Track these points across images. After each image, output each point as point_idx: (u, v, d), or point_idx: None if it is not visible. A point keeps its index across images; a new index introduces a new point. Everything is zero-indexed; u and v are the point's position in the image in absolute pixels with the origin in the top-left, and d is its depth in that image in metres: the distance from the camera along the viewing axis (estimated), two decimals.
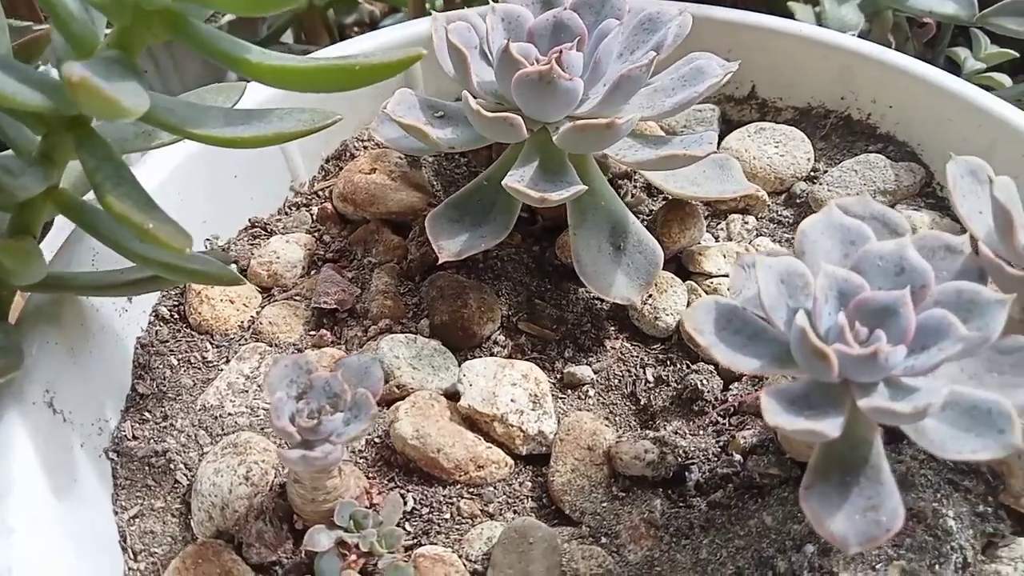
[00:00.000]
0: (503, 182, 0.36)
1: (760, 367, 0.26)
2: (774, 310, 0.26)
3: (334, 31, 0.76)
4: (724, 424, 0.36)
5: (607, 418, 0.37)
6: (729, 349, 0.26)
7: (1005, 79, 0.66)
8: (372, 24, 0.85)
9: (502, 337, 0.40)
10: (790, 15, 0.63)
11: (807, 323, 0.24)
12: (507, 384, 0.36)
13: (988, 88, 0.65)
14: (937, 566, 0.29)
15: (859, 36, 0.67)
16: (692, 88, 0.38)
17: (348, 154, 0.51)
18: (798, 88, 0.51)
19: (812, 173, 0.48)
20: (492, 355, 0.39)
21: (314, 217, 0.48)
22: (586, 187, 0.36)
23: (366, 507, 0.33)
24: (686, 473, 0.33)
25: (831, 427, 0.23)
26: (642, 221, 0.45)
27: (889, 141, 0.49)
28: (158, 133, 0.35)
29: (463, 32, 0.40)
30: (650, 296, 0.40)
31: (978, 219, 0.30)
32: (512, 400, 0.35)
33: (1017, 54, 0.64)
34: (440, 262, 0.38)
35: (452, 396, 0.37)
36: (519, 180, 0.36)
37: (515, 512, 0.34)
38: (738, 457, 0.33)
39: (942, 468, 0.33)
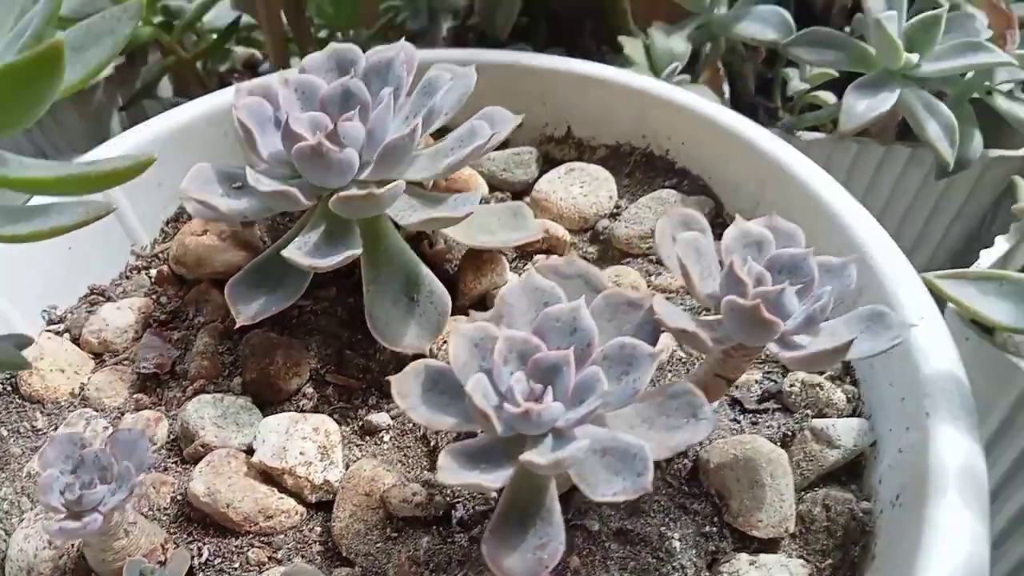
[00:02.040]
0: (281, 251, 0.39)
1: (454, 425, 0.29)
2: (464, 373, 0.29)
3: (206, 80, 0.78)
4: None
5: (400, 461, 0.40)
6: (428, 410, 0.29)
7: (830, 96, 0.70)
8: (252, 67, 0.88)
9: (310, 390, 0.43)
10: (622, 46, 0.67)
11: (480, 385, 0.28)
12: (297, 438, 0.39)
13: (814, 107, 0.70)
14: None
15: (696, 61, 0.72)
16: (462, 151, 0.42)
17: (185, 215, 0.53)
18: (607, 128, 0.55)
19: (615, 210, 0.52)
20: (300, 408, 0.42)
21: (152, 280, 0.51)
22: (358, 252, 0.39)
23: (159, 562, 0.36)
24: (452, 511, 0.37)
25: (494, 480, 0.27)
26: (451, 269, 0.48)
27: (685, 176, 0.52)
28: None
29: (254, 107, 0.43)
30: (444, 342, 0.44)
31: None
32: (301, 453, 0.39)
33: (836, 73, 0.68)
34: (237, 326, 0.41)
35: (252, 452, 0.40)
36: (299, 247, 0.40)
37: (303, 557, 0.37)
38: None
39: (676, 494, 0.36)
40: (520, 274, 0.50)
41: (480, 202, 0.52)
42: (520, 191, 0.55)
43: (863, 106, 0.52)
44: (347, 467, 0.39)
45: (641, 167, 0.54)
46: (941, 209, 0.69)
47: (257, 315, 0.41)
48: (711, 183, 0.51)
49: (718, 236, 0.50)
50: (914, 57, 0.51)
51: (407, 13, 0.79)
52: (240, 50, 0.82)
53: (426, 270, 0.44)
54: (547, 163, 0.57)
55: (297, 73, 0.45)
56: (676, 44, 0.65)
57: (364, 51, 0.45)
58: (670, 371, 0.42)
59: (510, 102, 0.54)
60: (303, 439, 0.39)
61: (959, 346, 0.38)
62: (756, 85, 0.73)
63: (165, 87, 0.82)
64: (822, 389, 0.40)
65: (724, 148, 0.49)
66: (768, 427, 0.39)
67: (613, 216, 0.52)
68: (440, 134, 0.47)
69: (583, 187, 0.52)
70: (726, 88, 0.69)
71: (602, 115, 0.54)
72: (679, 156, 0.53)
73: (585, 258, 0.51)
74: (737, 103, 0.72)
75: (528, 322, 0.31)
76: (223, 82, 0.83)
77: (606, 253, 0.51)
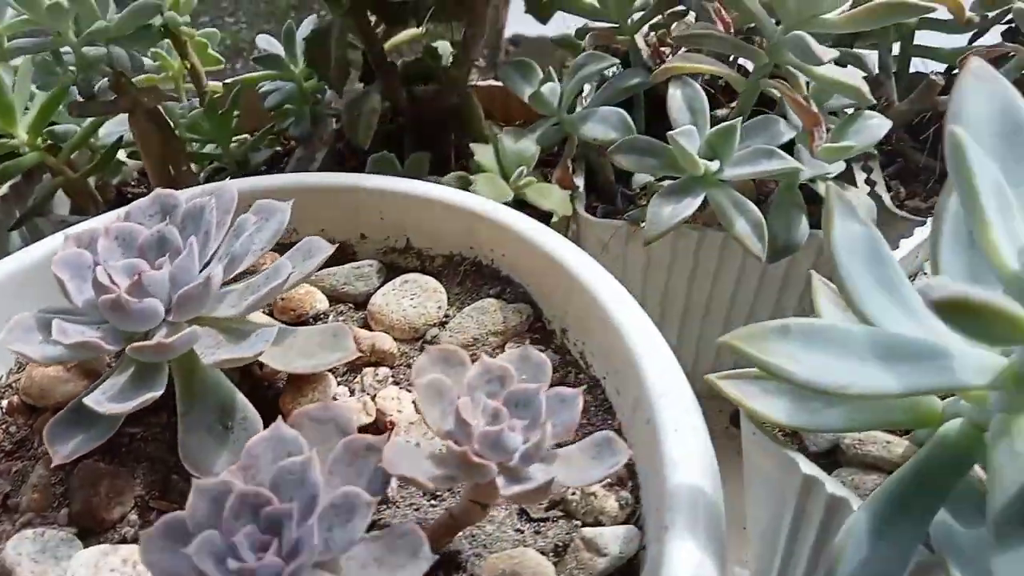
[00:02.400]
0: (83, 399, 0.42)
1: None
2: (198, 528, 0.32)
3: (100, 195, 0.82)
4: None
5: None
6: (167, 561, 0.32)
7: None
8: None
9: (134, 516, 0.46)
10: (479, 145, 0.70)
11: (204, 544, 0.30)
12: (106, 570, 0.41)
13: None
14: None
15: (549, 156, 0.76)
16: (262, 290, 0.45)
17: None
18: (441, 240, 0.58)
19: (444, 319, 0.55)
20: (123, 536, 0.45)
21: (4, 410, 0.54)
22: (157, 393, 0.42)
23: None
24: None
25: None
26: (281, 389, 0.51)
27: (508, 284, 0.56)
28: None
29: (71, 258, 0.46)
30: None
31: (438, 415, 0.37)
32: None
33: None
34: (53, 465, 0.44)
35: None
36: (104, 392, 0.43)
37: None
38: None
39: None
40: (349, 387, 0.53)
41: (317, 319, 0.56)
42: (363, 302, 0.58)
43: (668, 212, 0.56)
44: None
45: (471, 275, 0.57)
46: (790, 283, 0.73)
47: (72, 453, 0.44)
48: (530, 291, 0.55)
49: (535, 341, 0.54)
50: (714, 165, 0.55)
51: (291, 119, 0.83)
52: (132, 162, 0.86)
53: (241, 398, 0.47)
54: (393, 271, 0.60)
55: (121, 220, 0.48)
56: (525, 147, 0.70)
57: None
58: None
59: (351, 218, 0.59)
60: (111, 571, 0.41)
61: (751, 439, 0.41)
62: (617, 173, 0.77)
63: (65, 202, 0.86)
64: (596, 497, 0.42)
65: (536, 261, 0.53)
66: (547, 536, 0.42)
67: (442, 325, 0.55)
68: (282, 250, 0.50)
69: (413, 299, 0.55)
70: (580, 181, 0.72)
71: (435, 229, 0.58)
72: (503, 266, 0.56)
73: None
74: (598, 191, 0.76)
75: (271, 472, 0.34)
76: (120, 194, 0.87)
77: None
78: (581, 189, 0.72)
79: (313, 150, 0.81)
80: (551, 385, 0.52)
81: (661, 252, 0.69)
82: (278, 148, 0.84)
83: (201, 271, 0.46)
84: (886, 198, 0.70)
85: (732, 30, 0.67)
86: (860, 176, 0.72)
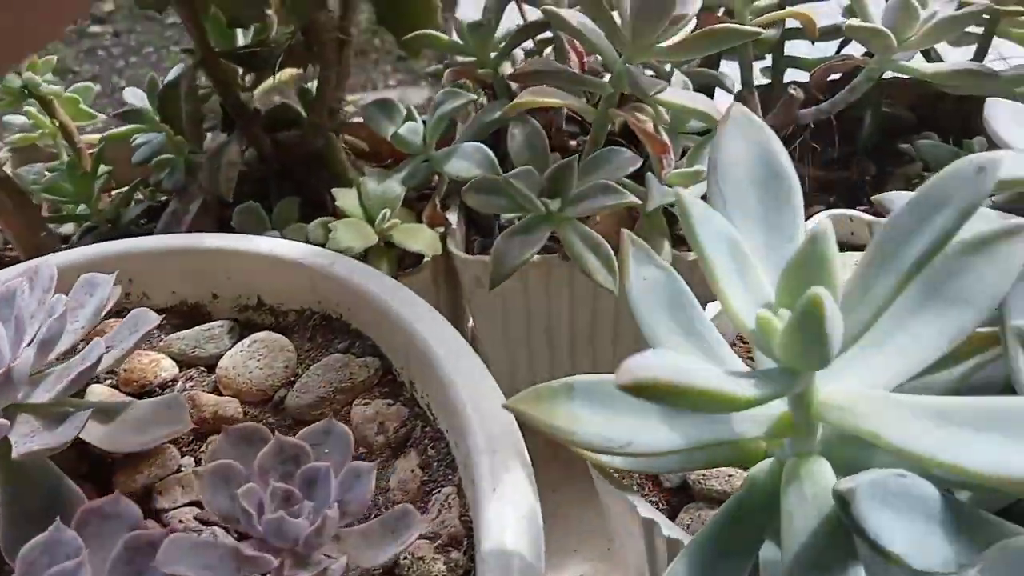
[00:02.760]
0: None
1: None
2: None
3: None
4: None
5: None
6: None
7: None
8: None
9: None
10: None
11: None
12: None
13: None
14: None
15: (428, 191, 0.75)
16: (71, 376, 0.43)
17: None
18: (289, 296, 0.58)
19: (292, 378, 0.54)
20: None
21: None
22: None
23: None
24: None
25: None
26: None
27: (357, 337, 0.55)
28: None
29: None
30: None
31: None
32: None
33: None
34: None
35: None
36: None
37: None
38: None
39: None
40: (196, 456, 0.51)
41: (164, 387, 0.54)
42: (215, 364, 0.57)
43: (515, 251, 0.55)
44: None
45: (321, 330, 0.56)
46: None
47: None
48: (378, 343, 0.54)
49: (384, 395, 0.53)
50: (555, 203, 0.55)
51: (165, 172, 0.81)
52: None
53: (68, 483, 0.45)
54: (249, 328, 0.59)
55: None
56: (389, 188, 0.69)
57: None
58: None
59: (199, 279, 0.57)
60: None
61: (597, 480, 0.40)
62: None
63: None
64: (424, 561, 0.42)
65: (374, 315, 0.52)
66: None
67: (290, 384, 0.54)
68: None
69: (260, 360, 0.54)
70: (454, 217, 0.72)
71: (282, 286, 0.57)
72: (351, 319, 0.55)
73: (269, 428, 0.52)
74: (477, 226, 0.76)
75: None
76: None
77: (284, 423, 0.53)
78: (454, 226, 0.71)
79: (188, 201, 0.80)
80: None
81: (536, 282, 0.69)
82: (153, 202, 0.83)
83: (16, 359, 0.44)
84: None
85: (584, 59, 0.67)
86: None
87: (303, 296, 0.57)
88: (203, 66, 0.67)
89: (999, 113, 0.41)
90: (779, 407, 0.32)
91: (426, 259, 0.70)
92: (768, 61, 0.86)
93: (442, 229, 0.71)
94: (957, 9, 0.64)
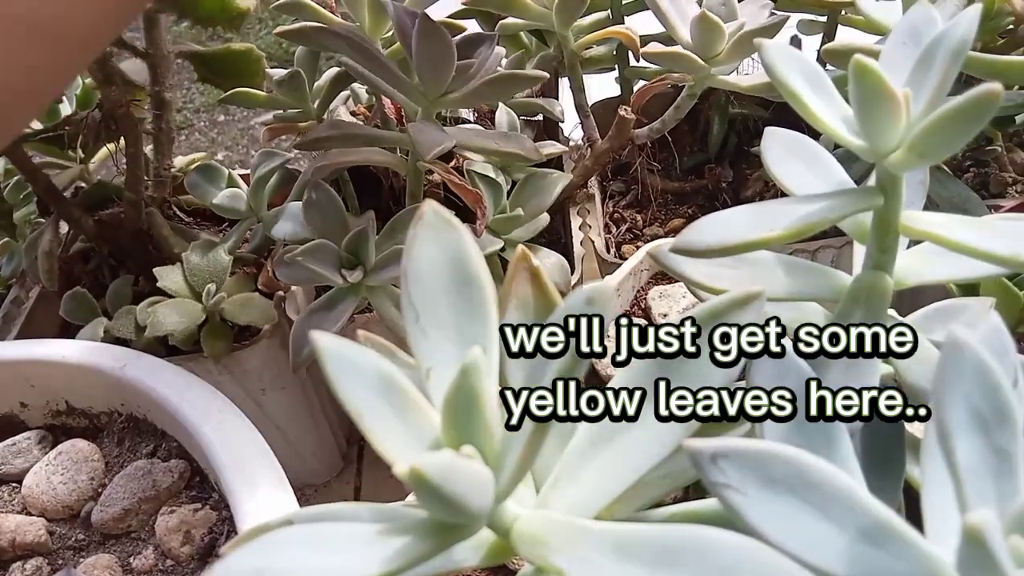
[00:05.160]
0: None
1: None
2: None
3: None
4: None
5: None
6: None
7: None
8: None
9: None
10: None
11: None
12: None
13: None
14: None
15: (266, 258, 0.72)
16: None
17: None
18: (95, 399, 0.55)
19: (100, 489, 0.52)
20: None
21: None
22: None
23: None
24: None
25: None
26: None
27: (163, 438, 0.53)
28: None
29: None
30: None
31: None
32: None
33: None
34: None
35: None
36: None
37: None
38: None
39: None
40: None
41: None
42: (23, 478, 0.54)
43: (328, 324, 0.53)
44: None
45: (130, 433, 0.54)
46: None
47: None
48: (183, 444, 0.52)
49: (192, 499, 0.51)
50: (356, 275, 0.53)
51: (3, 259, 0.78)
52: None
53: None
54: (67, 433, 0.56)
55: None
56: (217, 260, 0.66)
57: None
58: None
59: (1, 392, 0.54)
60: None
61: None
62: None
63: None
64: None
65: (169, 416, 0.50)
66: None
67: (96, 497, 0.51)
68: None
69: (64, 474, 0.51)
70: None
71: (85, 390, 0.54)
72: (155, 419, 0.53)
73: (74, 547, 0.50)
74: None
75: None
76: None
77: (94, 539, 0.50)
78: (293, 288, 0.69)
79: (28, 288, 0.77)
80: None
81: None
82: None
83: None
84: (598, 243, 0.69)
85: (402, 114, 0.65)
86: (575, 223, 0.71)
87: (107, 398, 0.54)
88: (6, 153, 0.64)
89: (772, 144, 0.39)
90: (489, 535, 0.31)
91: (265, 328, 0.67)
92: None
93: (282, 293, 0.69)
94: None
